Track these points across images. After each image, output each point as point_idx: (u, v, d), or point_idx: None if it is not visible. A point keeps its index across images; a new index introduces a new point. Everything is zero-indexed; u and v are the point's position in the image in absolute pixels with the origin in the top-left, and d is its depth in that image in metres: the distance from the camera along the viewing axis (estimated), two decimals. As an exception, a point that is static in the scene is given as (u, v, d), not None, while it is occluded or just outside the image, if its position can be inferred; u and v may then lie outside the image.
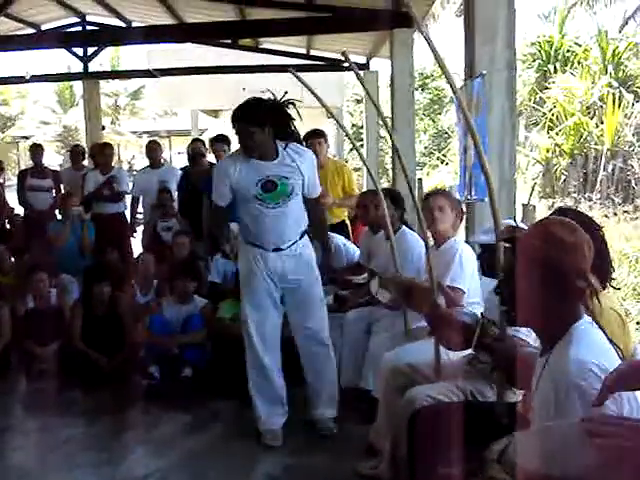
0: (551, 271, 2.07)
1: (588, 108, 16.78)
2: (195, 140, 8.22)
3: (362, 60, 13.45)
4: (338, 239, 6.13)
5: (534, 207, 5.91)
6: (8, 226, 8.74)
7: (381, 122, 18.60)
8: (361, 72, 13.89)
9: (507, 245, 2.32)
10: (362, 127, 19.13)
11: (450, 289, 3.95)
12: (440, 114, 24.66)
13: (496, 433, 2.60)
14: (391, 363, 3.89)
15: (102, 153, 8.34)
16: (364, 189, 12.02)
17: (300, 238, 4.61)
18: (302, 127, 7.22)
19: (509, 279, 2.19)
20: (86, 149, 9.79)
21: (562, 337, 2.12)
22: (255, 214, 4.47)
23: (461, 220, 4.48)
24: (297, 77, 4.21)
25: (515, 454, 1.58)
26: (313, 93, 4.68)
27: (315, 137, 6.79)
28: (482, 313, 2.97)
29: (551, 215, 3.07)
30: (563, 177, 16.33)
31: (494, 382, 3.07)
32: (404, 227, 5.07)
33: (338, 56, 13.54)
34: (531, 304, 2.12)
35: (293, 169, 4.47)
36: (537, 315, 2.14)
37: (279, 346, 4.68)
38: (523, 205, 5.70)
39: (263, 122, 4.35)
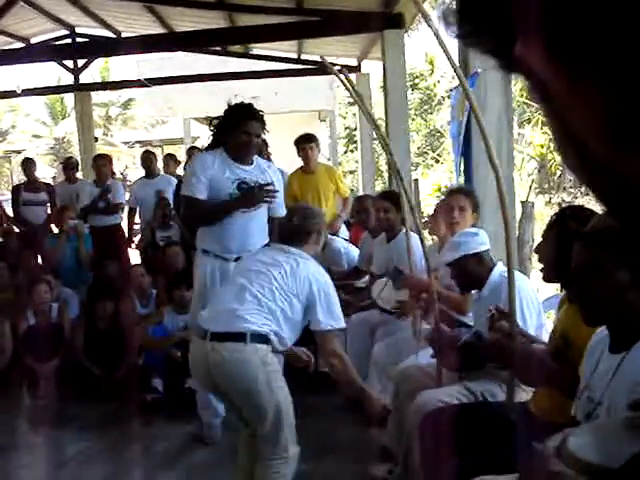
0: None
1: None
2: (192, 148, 8.21)
3: (353, 62, 13.41)
4: (339, 242, 6.12)
5: (533, 204, 5.92)
6: (2, 240, 8.68)
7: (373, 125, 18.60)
8: (352, 75, 13.90)
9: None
10: (355, 129, 19.13)
11: (461, 293, 3.94)
12: (432, 113, 24.64)
13: (507, 433, 2.58)
14: (400, 367, 3.87)
15: (95, 164, 8.31)
16: (360, 192, 12.01)
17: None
18: (295, 132, 7.24)
19: (581, 277, 2.15)
20: (79, 162, 9.73)
21: None
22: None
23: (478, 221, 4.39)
24: (333, 71, 4.10)
25: (575, 448, 1.58)
26: (347, 87, 4.58)
27: (306, 142, 6.78)
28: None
29: (556, 213, 3.05)
30: (559, 172, 16.33)
31: (503, 382, 3.05)
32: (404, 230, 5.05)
33: (329, 59, 13.53)
34: (608, 300, 2.09)
35: (266, 178, 4.48)
36: (614, 311, 2.11)
37: None
38: (522, 202, 5.70)
39: (264, 126, 4.46)
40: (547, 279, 3.03)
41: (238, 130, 4.35)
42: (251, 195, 4.36)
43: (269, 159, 4.89)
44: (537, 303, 3.43)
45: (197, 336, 3.37)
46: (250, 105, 4.49)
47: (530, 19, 0.42)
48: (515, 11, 0.43)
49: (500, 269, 3.44)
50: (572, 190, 15.55)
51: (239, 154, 4.42)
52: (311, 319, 3.40)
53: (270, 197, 4.36)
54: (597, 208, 2.47)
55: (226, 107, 4.52)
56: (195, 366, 3.48)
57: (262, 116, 4.46)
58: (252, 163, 4.49)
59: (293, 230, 3.59)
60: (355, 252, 6.16)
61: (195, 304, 4.49)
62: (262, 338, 3.26)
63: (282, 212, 4.47)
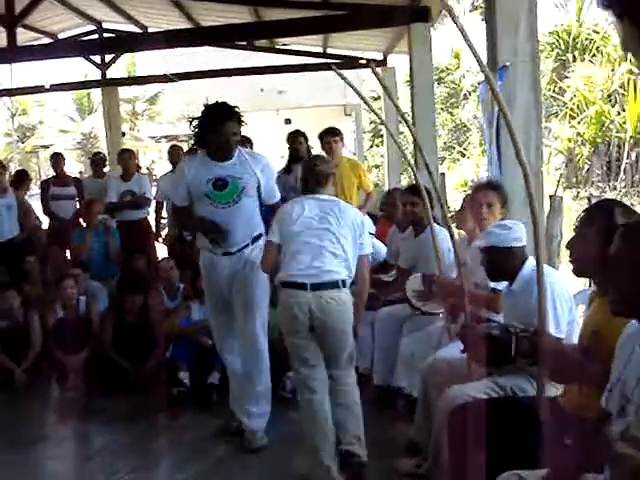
0: None
1: (609, 96, 16.63)
2: (173, 147, 8.28)
3: (379, 56, 13.38)
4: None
5: (561, 198, 5.87)
6: (31, 236, 8.75)
7: (400, 118, 18.56)
8: (378, 68, 13.87)
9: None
10: (381, 123, 19.06)
11: (492, 292, 3.92)
12: (457, 108, 24.52)
13: (537, 428, 2.57)
14: (428, 361, 3.86)
15: (121, 158, 8.37)
16: (385, 187, 11.98)
17: (252, 242, 4.61)
18: (320, 126, 7.22)
19: (617, 267, 2.14)
20: (107, 156, 9.79)
21: None
22: (206, 214, 4.53)
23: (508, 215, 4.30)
24: (340, 75, 4.12)
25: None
26: (356, 91, 4.63)
27: (330, 135, 6.75)
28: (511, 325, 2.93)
29: (591, 207, 3.02)
30: (586, 166, 16.19)
31: (533, 377, 3.03)
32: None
33: (355, 53, 13.50)
34: None
35: (245, 170, 4.51)
36: None
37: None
38: (550, 197, 5.65)
39: (241, 123, 4.49)
40: (580, 274, 3.00)
41: (215, 132, 4.41)
42: (210, 230, 4.53)
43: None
44: (569, 298, 3.46)
45: (292, 290, 3.98)
46: (224, 105, 4.50)
47: None
48: None
49: (532, 263, 3.41)
50: (600, 184, 15.40)
51: (218, 154, 4.49)
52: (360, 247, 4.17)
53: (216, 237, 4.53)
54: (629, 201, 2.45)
55: (203, 108, 4.56)
56: (291, 316, 3.98)
57: (237, 113, 4.46)
58: (231, 158, 4.52)
59: (321, 173, 4.24)
60: (381, 246, 6.13)
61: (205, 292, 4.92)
62: (345, 283, 4.02)
63: (275, 199, 4.73)
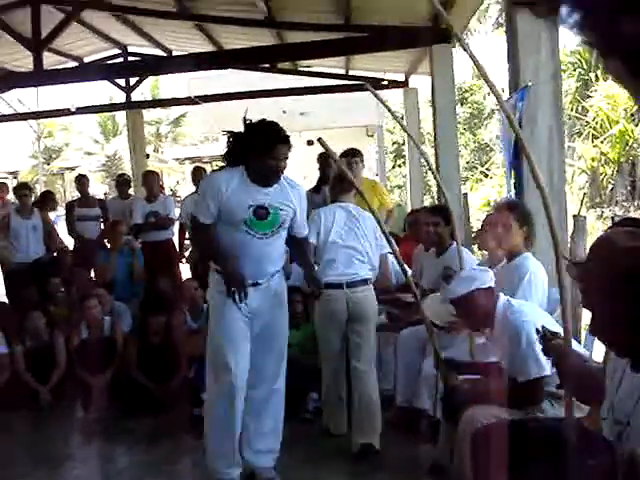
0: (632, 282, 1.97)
1: (632, 115, 16.53)
2: (197, 168, 8.35)
3: (401, 77, 13.44)
4: (389, 258, 6.10)
5: (585, 218, 5.83)
6: (57, 257, 8.85)
7: (423, 139, 18.61)
8: (400, 90, 13.92)
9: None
10: (403, 144, 19.10)
11: None
12: (480, 128, 24.52)
13: (561, 449, 2.55)
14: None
15: (145, 180, 8.46)
16: (408, 207, 11.98)
17: (277, 272, 4.30)
18: (342, 147, 7.26)
19: (602, 311, 2.10)
20: (131, 178, 9.91)
21: None
22: (240, 241, 4.08)
23: (532, 234, 4.26)
24: (375, 94, 4.15)
25: None
26: (390, 110, 4.74)
27: (350, 156, 6.77)
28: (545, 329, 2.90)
29: (613, 226, 3.01)
30: (610, 186, 16.08)
31: (556, 399, 3.02)
32: (454, 244, 5.03)
33: (377, 74, 13.56)
34: (622, 322, 2.03)
35: (288, 201, 4.18)
36: (627, 332, 2.05)
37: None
38: (574, 216, 5.62)
39: (290, 148, 4.13)
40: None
41: (266, 155, 3.99)
42: (235, 280, 4.03)
43: None
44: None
45: (331, 290, 4.70)
46: (278, 127, 4.10)
47: None
48: None
49: (502, 300, 3.44)
50: (625, 203, 15.29)
51: (265, 179, 4.08)
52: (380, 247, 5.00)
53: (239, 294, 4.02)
54: None
55: (247, 124, 4.13)
56: (330, 314, 4.83)
57: (288, 137, 4.12)
58: (274, 184, 4.14)
59: (346, 181, 4.72)
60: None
61: (215, 322, 4.26)
62: (370, 280, 4.94)
63: (304, 231, 4.46)
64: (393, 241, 4.10)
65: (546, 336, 2.79)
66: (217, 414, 4.19)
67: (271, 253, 4.19)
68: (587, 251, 2.16)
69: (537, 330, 2.90)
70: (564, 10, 0.47)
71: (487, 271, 3.61)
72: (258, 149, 4.00)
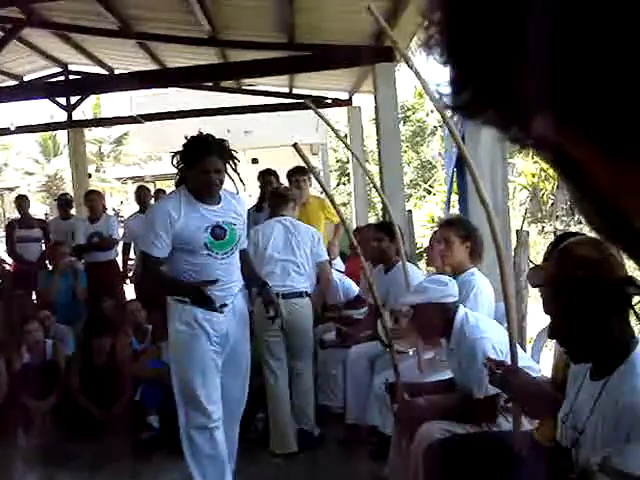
0: (593, 290, 2.03)
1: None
2: (141, 187, 8.33)
3: (345, 96, 13.52)
4: (334, 274, 6.11)
5: (527, 233, 5.92)
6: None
7: (367, 157, 18.75)
8: (344, 108, 14.01)
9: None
10: (347, 162, 19.21)
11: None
12: (423, 145, 24.79)
13: (513, 462, 2.57)
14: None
15: (88, 199, 8.33)
16: (353, 224, 12.03)
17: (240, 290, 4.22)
18: (287, 165, 7.26)
19: (558, 316, 2.15)
20: (73, 198, 9.75)
21: (623, 362, 2.08)
22: (202, 266, 3.94)
23: (478, 249, 4.29)
24: (316, 112, 4.18)
25: (619, 463, 1.65)
26: (332, 128, 4.82)
27: (300, 174, 6.79)
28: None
29: (554, 242, 3.06)
30: (551, 201, 16.40)
31: (509, 413, 3.04)
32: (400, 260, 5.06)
33: (321, 93, 13.63)
34: (582, 329, 2.07)
35: (237, 214, 4.10)
36: (590, 338, 2.09)
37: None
38: (517, 231, 5.70)
39: (228, 160, 4.01)
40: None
41: (196, 168, 3.90)
42: (202, 297, 3.87)
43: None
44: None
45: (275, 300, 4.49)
46: (207, 138, 4.01)
47: (552, 97, 0.38)
48: (534, 85, 0.38)
49: (461, 313, 3.46)
50: (565, 218, 15.61)
51: (201, 194, 3.96)
52: (316, 256, 5.33)
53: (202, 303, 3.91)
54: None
55: (184, 141, 4.05)
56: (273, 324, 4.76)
57: (223, 148, 3.98)
58: (219, 201, 4.03)
59: (282, 196, 5.40)
60: (350, 283, 6.16)
61: (180, 355, 4.15)
62: (307, 293, 5.22)
63: (246, 243, 4.41)
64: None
65: (491, 369, 2.80)
66: (199, 444, 4.15)
67: (233, 271, 4.09)
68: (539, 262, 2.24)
69: (484, 363, 2.90)
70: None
71: (445, 286, 3.60)
72: (188, 164, 3.95)
